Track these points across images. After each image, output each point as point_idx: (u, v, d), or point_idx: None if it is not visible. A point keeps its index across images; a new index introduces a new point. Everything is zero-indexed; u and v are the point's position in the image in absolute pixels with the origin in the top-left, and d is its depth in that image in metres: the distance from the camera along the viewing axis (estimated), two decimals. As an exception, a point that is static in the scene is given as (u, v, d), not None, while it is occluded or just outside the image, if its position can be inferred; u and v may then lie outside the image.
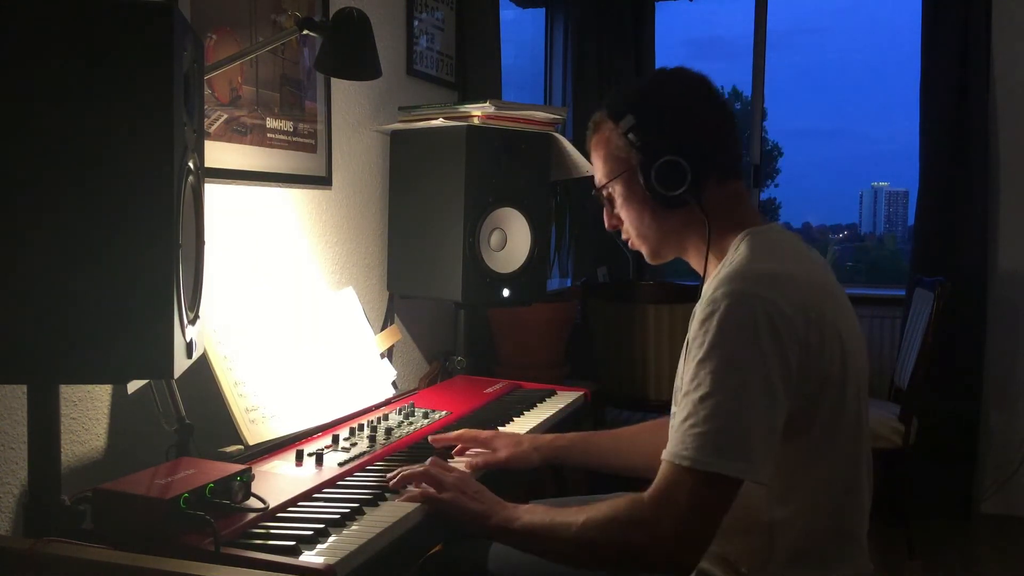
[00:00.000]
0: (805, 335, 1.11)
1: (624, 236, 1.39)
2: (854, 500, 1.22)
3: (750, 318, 1.09)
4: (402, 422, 1.66)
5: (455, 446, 1.54)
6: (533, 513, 1.20)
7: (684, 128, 1.26)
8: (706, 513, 1.07)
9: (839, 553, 1.20)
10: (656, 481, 1.10)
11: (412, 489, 1.26)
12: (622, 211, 1.35)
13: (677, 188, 1.23)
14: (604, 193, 1.36)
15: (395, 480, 1.29)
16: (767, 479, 1.09)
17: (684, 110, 1.27)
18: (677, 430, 1.10)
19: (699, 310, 1.15)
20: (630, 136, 1.27)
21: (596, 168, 1.37)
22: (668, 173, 1.24)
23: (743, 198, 1.31)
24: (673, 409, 1.32)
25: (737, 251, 1.21)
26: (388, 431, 1.59)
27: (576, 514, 1.15)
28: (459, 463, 1.48)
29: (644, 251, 1.37)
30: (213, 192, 1.70)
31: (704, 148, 1.25)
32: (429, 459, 1.34)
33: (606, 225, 1.40)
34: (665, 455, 1.10)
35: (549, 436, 1.60)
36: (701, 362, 1.10)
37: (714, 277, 1.19)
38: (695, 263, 1.34)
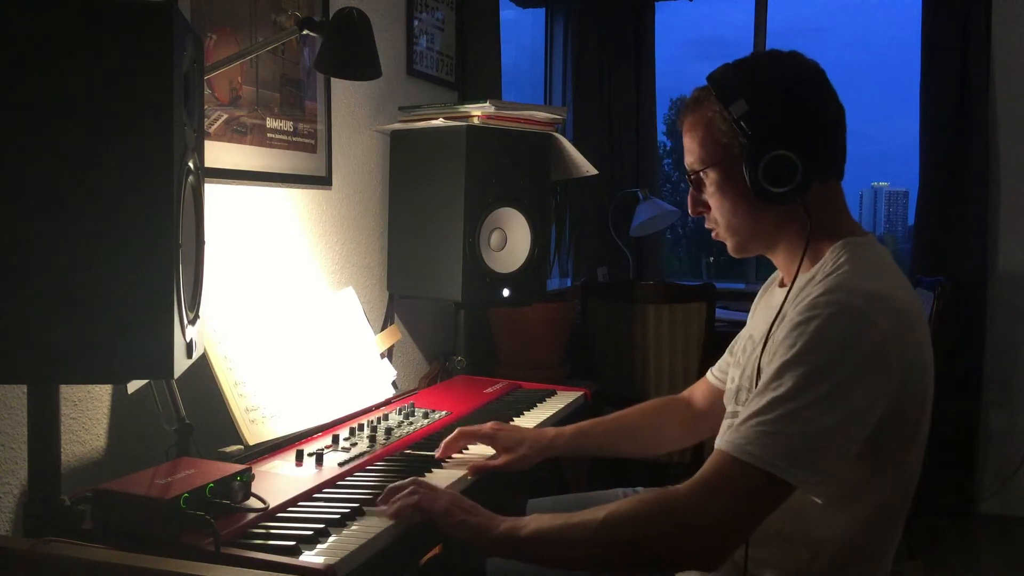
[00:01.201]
0: (898, 367, 1.07)
1: (709, 225, 1.31)
2: (896, 527, 1.20)
3: (853, 335, 1.05)
4: (402, 422, 1.66)
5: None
6: (541, 520, 1.13)
7: (798, 121, 1.17)
8: (750, 513, 1.03)
9: (868, 573, 1.19)
10: (702, 471, 1.05)
11: (403, 501, 1.18)
12: (713, 198, 1.26)
13: (784, 185, 1.15)
14: (694, 176, 1.28)
15: (383, 496, 1.21)
16: (823, 496, 1.06)
17: (799, 101, 1.18)
18: (742, 424, 1.05)
19: (793, 312, 1.10)
20: (741, 124, 1.17)
21: (690, 148, 1.27)
22: (777, 168, 1.15)
23: (843, 201, 1.25)
24: (732, 407, 1.29)
25: (837, 261, 1.15)
26: (388, 431, 1.59)
27: (594, 512, 1.09)
28: (456, 467, 1.45)
29: (730, 243, 1.29)
30: (213, 192, 1.70)
31: (816, 144, 1.17)
32: (409, 480, 1.25)
33: (690, 211, 1.31)
34: (723, 445, 1.05)
35: (550, 433, 1.57)
36: (788, 363, 1.05)
37: (813, 283, 1.14)
38: (783, 263, 1.28)
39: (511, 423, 1.73)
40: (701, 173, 1.25)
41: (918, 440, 1.15)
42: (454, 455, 1.50)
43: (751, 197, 1.19)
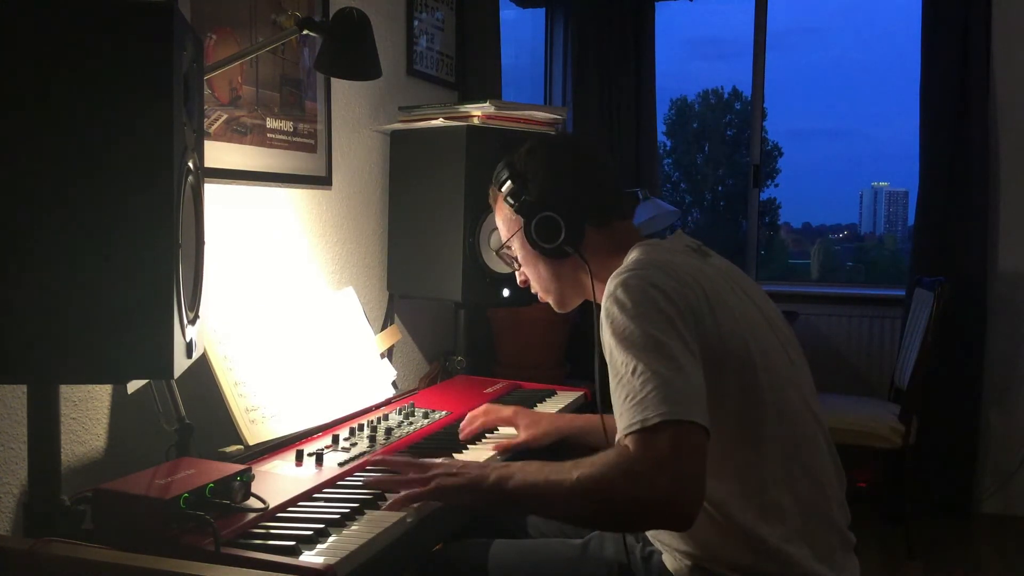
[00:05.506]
0: (695, 304, 1.17)
1: (533, 290, 1.50)
2: (789, 495, 1.20)
3: (642, 292, 1.15)
4: (402, 422, 1.66)
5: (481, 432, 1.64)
6: (526, 472, 1.18)
7: (552, 186, 1.38)
8: (689, 459, 1.05)
9: (792, 544, 1.18)
10: (631, 458, 1.07)
11: (399, 495, 1.23)
12: (524, 267, 1.47)
13: (555, 240, 1.36)
14: (509, 253, 1.49)
15: (379, 488, 1.27)
16: (711, 425, 1.09)
17: (552, 170, 1.40)
18: (621, 410, 1.10)
19: (600, 319, 1.21)
20: (508, 200, 1.41)
21: (498, 228, 1.50)
22: (545, 228, 1.37)
23: (630, 233, 1.40)
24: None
25: (625, 262, 1.28)
26: (388, 431, 1.59)
27: (568, 472, 1.12)
28: (484, 447, 1.58)
29: (553, 302, 1.49)
30: (213, 192, 1.70)
31: (574, 201, 1.37)
32: (404, 461, 1.35)
33: (518, 282, 1.53)
34: (619, 435, 1.09)
35: (568, 417, 1.70)
36: (615, 349, 1.14)
37: None
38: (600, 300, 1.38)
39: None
40: (508, 248, 1.48)
41: (766, 402, 1.19)
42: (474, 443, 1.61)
43: (542, 256, 1.40)
